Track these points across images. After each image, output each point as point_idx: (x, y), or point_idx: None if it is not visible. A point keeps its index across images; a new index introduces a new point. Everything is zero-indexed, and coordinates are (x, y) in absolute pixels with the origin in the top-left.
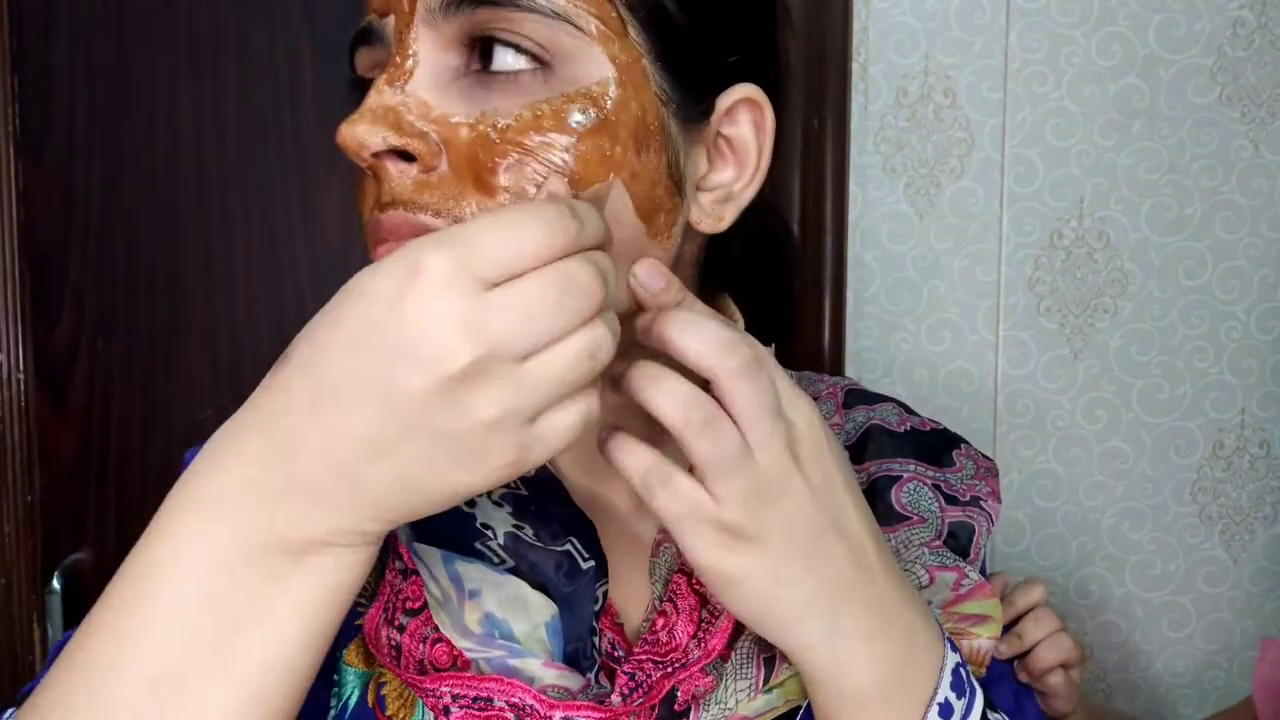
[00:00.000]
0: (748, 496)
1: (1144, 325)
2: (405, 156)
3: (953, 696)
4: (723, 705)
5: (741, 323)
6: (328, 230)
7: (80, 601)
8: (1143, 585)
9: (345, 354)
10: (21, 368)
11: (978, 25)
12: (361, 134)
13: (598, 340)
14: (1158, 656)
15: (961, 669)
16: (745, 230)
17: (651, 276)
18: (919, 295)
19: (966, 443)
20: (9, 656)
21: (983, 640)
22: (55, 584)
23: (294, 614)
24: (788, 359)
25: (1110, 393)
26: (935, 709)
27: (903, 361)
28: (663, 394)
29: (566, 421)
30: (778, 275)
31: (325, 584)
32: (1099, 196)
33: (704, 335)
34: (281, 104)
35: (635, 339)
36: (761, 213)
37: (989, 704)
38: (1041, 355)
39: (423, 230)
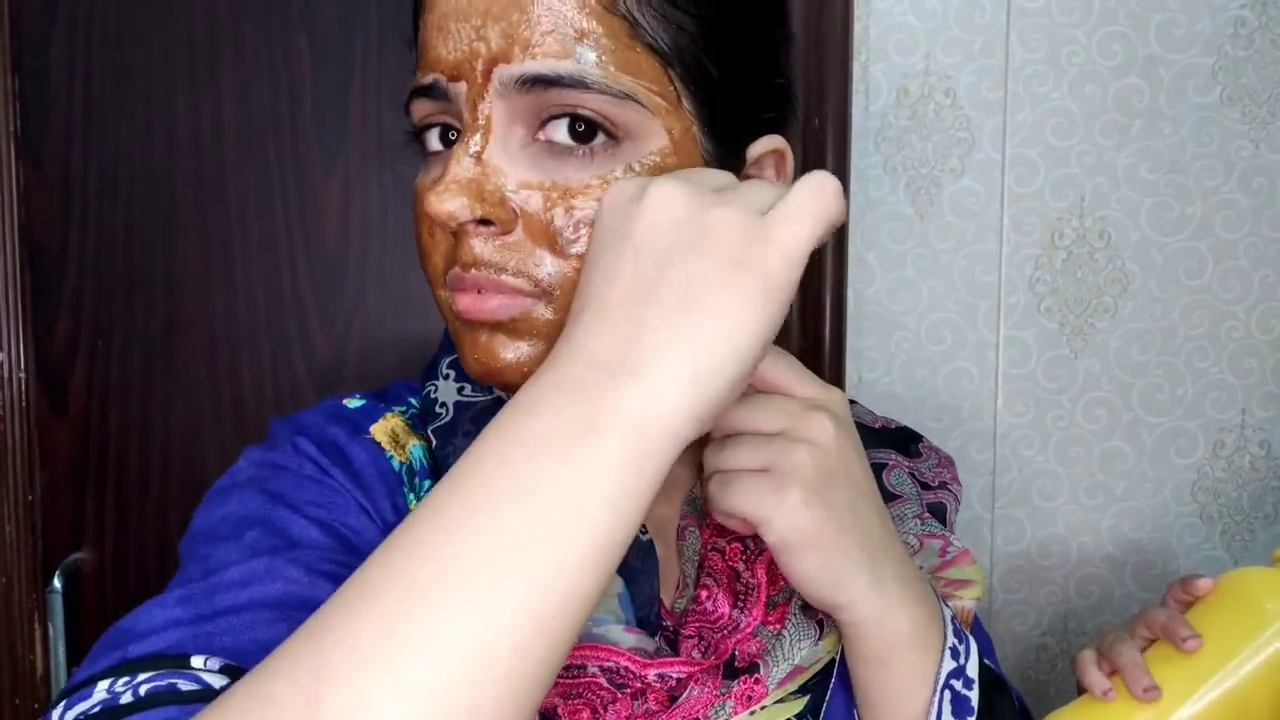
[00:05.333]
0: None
1: (1144, 325)
2: (485, 222)
3: (956, 642)
4: (789, 661)
5: None
6: (326, 230)
7: (80, 601)
8: (1143, 585)
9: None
10: (22, 368)
11: (978, 25)
12: (451, 207)
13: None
14: None
15: (954, 620)
16: None
17: None
18: (919, 295)
19: (925, 438)
20: (9, 656)
21: (966, 601)
22: (55, 583)
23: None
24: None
25: (1110, 392)
26: (948, 652)
27: (903, 361)
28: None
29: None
30: None
31: (630, 460)
32: (1099, 196)
33: None
34: (280, 104)
35: None
36: None
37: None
38: (1041, 355)
39: (504, 288)
